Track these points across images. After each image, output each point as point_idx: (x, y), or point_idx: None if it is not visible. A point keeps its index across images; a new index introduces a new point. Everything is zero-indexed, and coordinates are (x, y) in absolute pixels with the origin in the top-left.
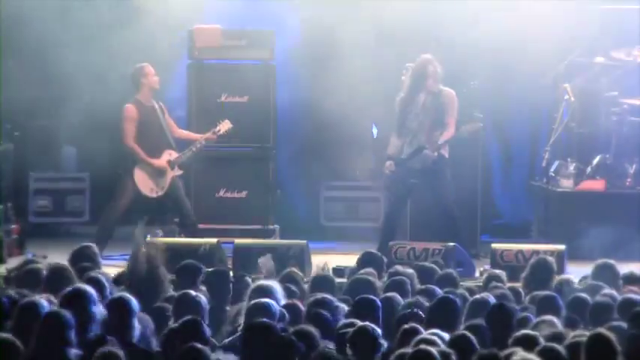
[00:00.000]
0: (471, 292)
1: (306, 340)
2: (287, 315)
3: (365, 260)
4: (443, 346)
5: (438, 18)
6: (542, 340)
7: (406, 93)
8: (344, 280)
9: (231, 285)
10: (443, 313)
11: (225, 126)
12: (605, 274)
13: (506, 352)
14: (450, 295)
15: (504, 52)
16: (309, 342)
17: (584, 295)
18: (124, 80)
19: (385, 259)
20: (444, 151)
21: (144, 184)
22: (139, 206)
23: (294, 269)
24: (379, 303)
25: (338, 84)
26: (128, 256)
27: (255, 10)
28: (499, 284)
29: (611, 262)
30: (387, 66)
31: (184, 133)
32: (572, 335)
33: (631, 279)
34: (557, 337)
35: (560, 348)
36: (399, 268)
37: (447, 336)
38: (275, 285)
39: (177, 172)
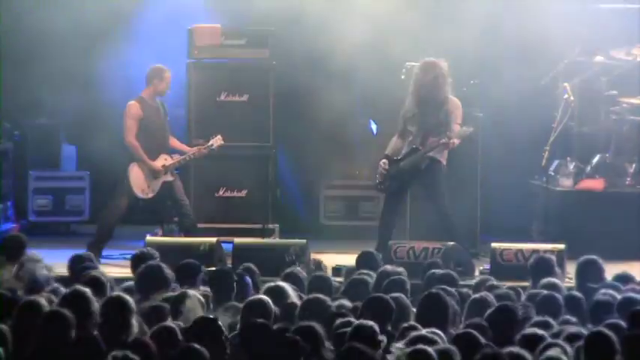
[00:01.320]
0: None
1: (310, 339)
2: (281, 314)
3: (363, 260)
4: (442, 344)
5: (437, 17)
6: (548, 339)
7: (411, 96)
8: (342, 279)
9: (234, 284)
10: (432, 310)
11: (217, 141)
12: (590, 270)
13: (508, 350)
14: (438, 292)
15: (504, 51)
16: (314, 341)
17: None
18: (125, 79)
19: (382, 259)
20: (441, 157)
21: (137, 183)
22: (138, 205)
23: (298, 269)
24: (392, 303)
25: (338, 83)
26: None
27: (255, 9)
28: (496, 283)
29: (594, 257)
30: (388, 65)
31: (177, 144)
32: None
33: (624, 279)
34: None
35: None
36: (389, 267)
37: (442, 334)
38: (286, 285)
39: (170, 177)
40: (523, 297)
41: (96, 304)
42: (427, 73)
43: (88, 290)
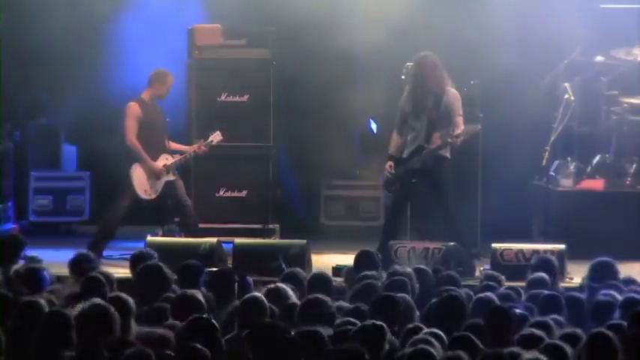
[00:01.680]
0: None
1: (312, 340)
2: (281, 314)
3: (361, 260)
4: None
5: (438, 17)
6: (546, 339)
7: (408, 91)
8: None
9: (235, 285)
10: (449, 312)
11: (216, 137)
12: (604, 272)
13: (507, 351)
14: (457, 293)
15: (505, 51)
16: (316, 342)
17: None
18: (126, 80)
19: (381, 259)
20: (445, 152)
21: (140, 184)
22: (139, 206)
23: (297, 269)
24: (401, 302)
25: (338, 83)
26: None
27: (256, 8)
28: (493, 283)
29: (609, 259)
30: (388, 64)
31: (175, 146)
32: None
33: (626, 282)
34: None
35: (564, 346)
36: (398, 268)
37: (444, 335)
38: (286, 286)
39: (171, 177)
40: (524, 297)
41: (118, 325)
42: (423, 66)
43: (112, 309)
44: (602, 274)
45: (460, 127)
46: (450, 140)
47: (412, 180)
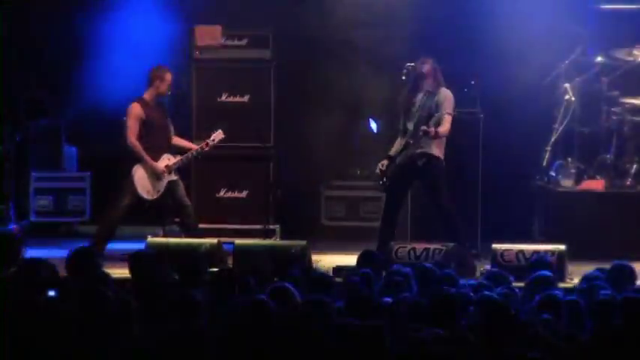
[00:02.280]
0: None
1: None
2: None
3: (364, 260)
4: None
5: (439, 17)
6: (549, 340)
7: (406, 95)
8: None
9: (236, 285)
10: (443, 310)
11: (218, 136)
12: (621, 276)
13: (507, 351)
14: (451, 292)
15: (505, 52)
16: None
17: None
18: (126, 80)
19: (384, 259)
20: (437, 153)
21: (141, 185)
22: (140, 206)
23: (296, 270)
24: (389, 301)
25: (338, 83)
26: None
27: (256, 9)
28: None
29: (627, 263)
30: (388, 64)
31: (178, 141)
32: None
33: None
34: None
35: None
36: (398, 267)
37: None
38: (291, 286)
39: (173, 177)
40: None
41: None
42: (422, 72)
43: (109, 291)
44: (619, 279)
45: (445, 125)
46: (422, 129)
47: (401, 177)
